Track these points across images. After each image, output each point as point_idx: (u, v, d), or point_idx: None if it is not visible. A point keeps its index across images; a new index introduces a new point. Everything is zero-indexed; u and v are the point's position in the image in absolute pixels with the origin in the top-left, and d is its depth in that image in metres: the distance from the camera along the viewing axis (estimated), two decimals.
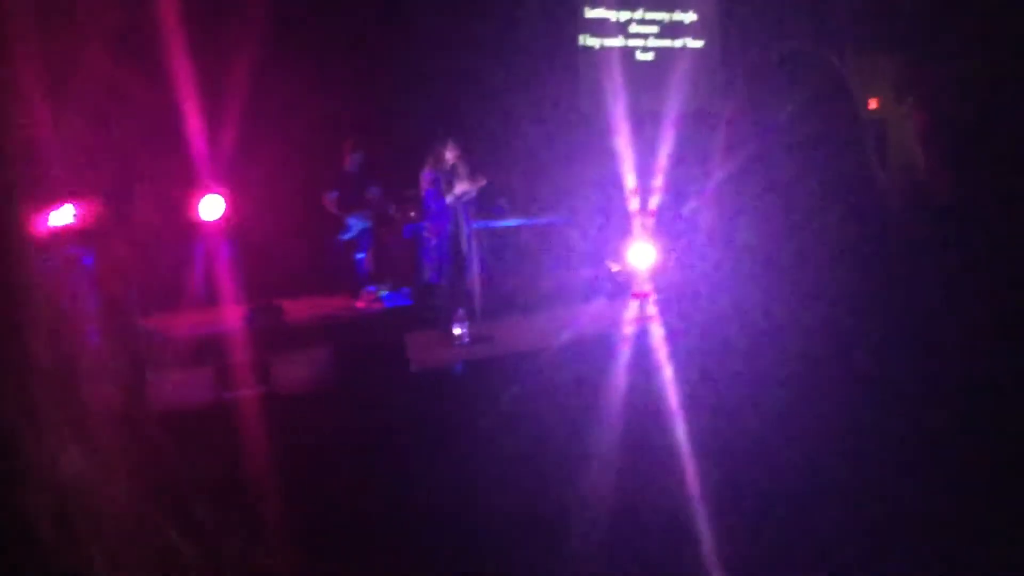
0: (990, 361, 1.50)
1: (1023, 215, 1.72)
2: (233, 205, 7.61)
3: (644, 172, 7.72)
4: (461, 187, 7.09)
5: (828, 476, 1.48)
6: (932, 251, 1.56)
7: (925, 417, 1.42)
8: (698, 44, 10.58)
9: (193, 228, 7.49)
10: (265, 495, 3.64)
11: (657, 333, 5.84)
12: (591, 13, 10.07)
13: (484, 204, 7.87)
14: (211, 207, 7.57)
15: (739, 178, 1.55)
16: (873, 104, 7.88)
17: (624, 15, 10.20)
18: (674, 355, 4.60)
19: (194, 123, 7.30)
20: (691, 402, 1.68)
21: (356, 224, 8.07)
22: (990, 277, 1.54)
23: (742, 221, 1.55)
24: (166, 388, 5.47)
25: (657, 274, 7.01)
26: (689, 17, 10.54)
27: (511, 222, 8.36)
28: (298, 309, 7.51)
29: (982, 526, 1.44)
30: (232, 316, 6.72)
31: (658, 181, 7.61)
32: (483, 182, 7.31)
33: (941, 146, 1.86)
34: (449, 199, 7.07)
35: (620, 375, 5.11)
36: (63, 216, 6.58)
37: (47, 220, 6.25)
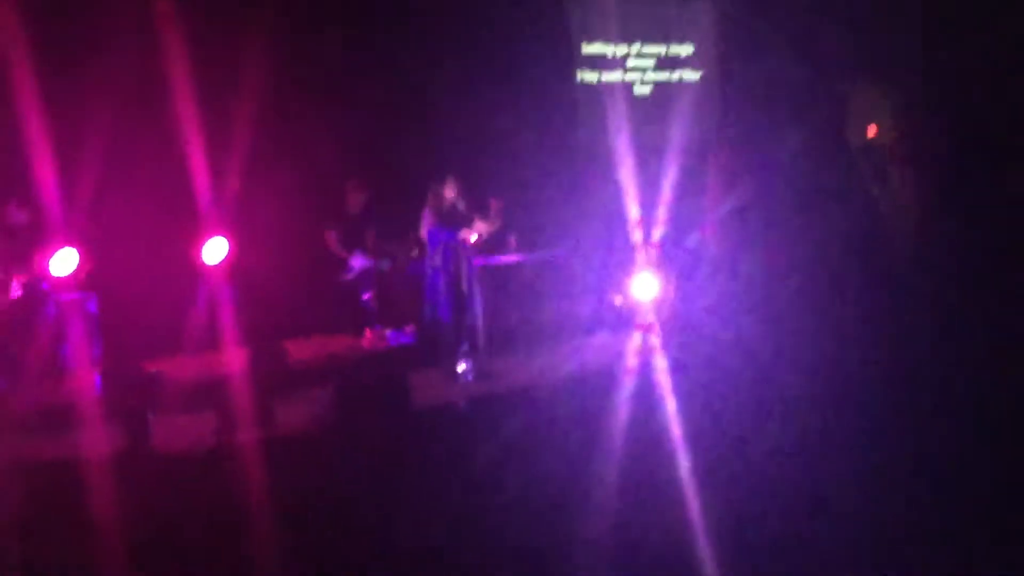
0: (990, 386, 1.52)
1: None
2: (237, 248, 7.56)
3: (646, 204, 7.65)
4: (479, 227, 7.27)
5: (836, 509, 1.44)
6: (933, 279, 1.59)
7: (927, 441, 1.49)
8: (695, 76, 10.72)
9: (197, 272, 7.46)
10: (265, 539, 3.67)
11: (661, 365, 5.87)
12: (588, 49, 10.19)
13: (490, 241, 7.90)
14: (215, 250, 7.51)
15: (742, 211, 1.61)
16: (872, 132, 7.90)
17: (622, 49, 10.33)
18: (677, 388, 4.88)
19: (198, 166, 7.49)
20: (694, 436, 1.70)
21: (359, 264, 8.06)
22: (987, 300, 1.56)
23: (745, 254, 1.60)
24: (169, 432, 5.50)
25: (660, 305, 6.89)
26: (686, 50, 10.65)
27: (514, 258, 8.30)
28: (302, 350, 7.45)
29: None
30: (235, 359, 6.69)
31: (661, 213, 7.50)
32: (498, 223, 7.47)
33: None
34: (472, 240, 7.25)
35: (624, 409, 5.13)
36: (66, 262, 6.81)
37: (49, 266, 6.52)
